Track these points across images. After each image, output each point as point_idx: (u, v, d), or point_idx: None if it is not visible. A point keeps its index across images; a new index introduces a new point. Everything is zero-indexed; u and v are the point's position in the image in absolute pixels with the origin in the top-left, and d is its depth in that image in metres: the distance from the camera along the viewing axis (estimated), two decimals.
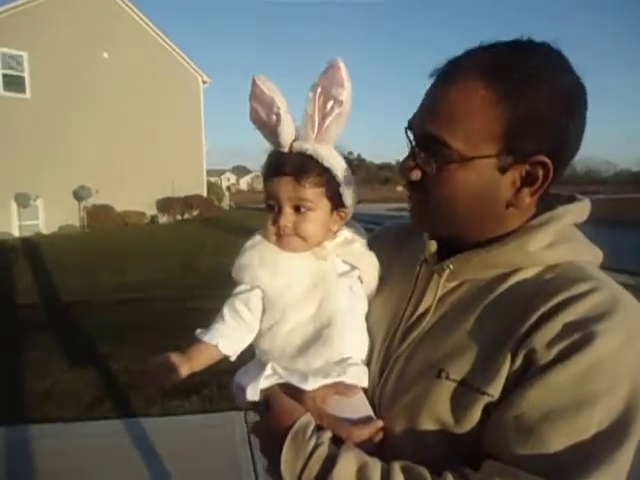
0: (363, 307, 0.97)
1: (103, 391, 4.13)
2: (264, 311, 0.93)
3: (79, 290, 7.93)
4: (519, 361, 0.71)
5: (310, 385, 0.85)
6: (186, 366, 0.89)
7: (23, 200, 16.58)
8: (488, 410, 0.73)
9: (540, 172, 0.75)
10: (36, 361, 4.71)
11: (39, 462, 3.11)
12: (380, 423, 0.84)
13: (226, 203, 28.94)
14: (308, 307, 0.91)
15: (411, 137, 0.82)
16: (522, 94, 0.72)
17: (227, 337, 0.92)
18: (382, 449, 0.81)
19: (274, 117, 0.90)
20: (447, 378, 0.76)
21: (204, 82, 22.59)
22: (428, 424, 0.78)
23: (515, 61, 0.74)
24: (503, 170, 0.75)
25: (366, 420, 0.85)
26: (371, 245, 1.02)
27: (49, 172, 16.66)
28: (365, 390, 0.90)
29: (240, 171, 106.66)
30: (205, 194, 23.36)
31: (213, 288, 6.89)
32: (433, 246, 0.87)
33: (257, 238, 0.98)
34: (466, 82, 0.75)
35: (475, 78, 0.74)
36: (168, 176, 19.85)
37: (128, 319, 6.08)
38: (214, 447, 3.27)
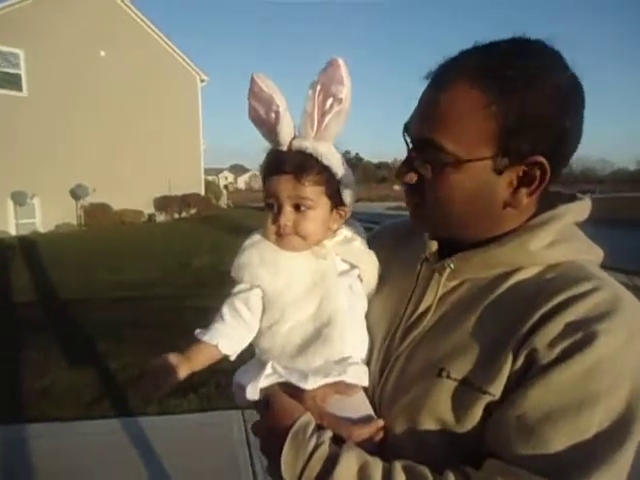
0: (363, 306, 0.97)
1: (101, 390, 4.12)
2: (264, 310, 0.93)
3: (76, 289, 7.91)
4: (521, 360, 0.71)
5: (310, 384, 0.84)
6: (186, 366, 0.88)
7: (20, 198, 16.52)
8: (489, 409, 0.73)
9: (537, 172, 0.75)
10: (33, 360, 4.70)
11: (37, 461, 3.10)
12: (381, 422, 0.83)
13: (224, 202, 28.91)
14: (308, 306, 0.91)
15: (408, 140, 0.82)
16: (515, 95, 0.72)
17: (227, 337, 0.92)
18: (383, 448, 0.81)
19: (273, 115, 0.90)
20: (448, 377, 0.76)
21: (202, 81, 22.53)
22: (429, 423, 0.78)
23: (508, 61, 0.73)
24: (499, 172, 0.75)
25: (366, 419, 0.84)
26: (370, 244, 1.02)
27: (46, 170, 16.59)
28: (365, 389, 0.90)
29: (238, 170, 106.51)
30: (203, 193, 23.32)
31: (211, 286, 6.90)
32: (434, 245, 0.87)
33: (256, 237, 0.97)
34: (459, 85, 0.74)
35: (467, 81, 0.74)
36: (166, 174, 19.81)
37: (126, 317, 6.07)
38: (212, 446, 3.27)
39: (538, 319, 0.72)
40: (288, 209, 0.91)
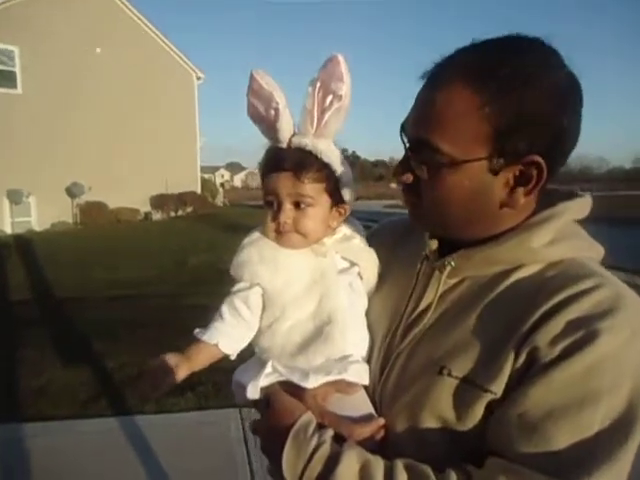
0: (363, 304, 0.96)
1: (97, 388, 4.11)
2: (264, 309, 0.92)
3: (72, 287, 7.88)
4: (522, 359, 0.71)
5: (311, 383, 0.84)
6: (186, 366, 0.88)
7: (15, 197, 16.44)
8: (490, 407, 0.73)
9: (534, 172, 0.74)
10: (29, 358, 4.68)
11: (33, 460, 3.09)
12: (382, 421, 0.83)
13: (220, 200, 28.89)
14: (308, 304, 0.91)
15: (405, 139, 0.82)
16: (511, 94, 0.71)
17: (227, 336, 0.91)
18: (384, 447, 0.81)
19: (273, 112, 0.89)
20: (449, 375, 0.76)
21: (198, 78, 22.46)
22: (430, 421, 0.77)
23: (504, 60, 0.73)
24: (495, 172, 0.75)
25: (367, 418, 0.84)
26: (369, 242, 1.01)
27: (42, 169, 16.50)
28: (366, 387, 0.89)
29: (234, 168, 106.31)
30: (199, 191, 23.27)
31: (207, 285, 6.90)
32: (434, 243, 0.87)
33: (255, 235, 0.97)
34: (454, 85, 0.74)
35: (462, 81, 0.73)
36: (162, 173, 19.75)
37: (122, 316, 6.06)
38: (209, 444, 3.26)
39: (539, 317, 0.71)
40: (288, 207, 0.91)
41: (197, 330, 0.92)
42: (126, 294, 7.36)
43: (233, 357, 0.94)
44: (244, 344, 0.94)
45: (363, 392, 0.89)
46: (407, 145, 0.82)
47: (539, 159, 0.73)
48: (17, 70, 16.72)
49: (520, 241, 0.78)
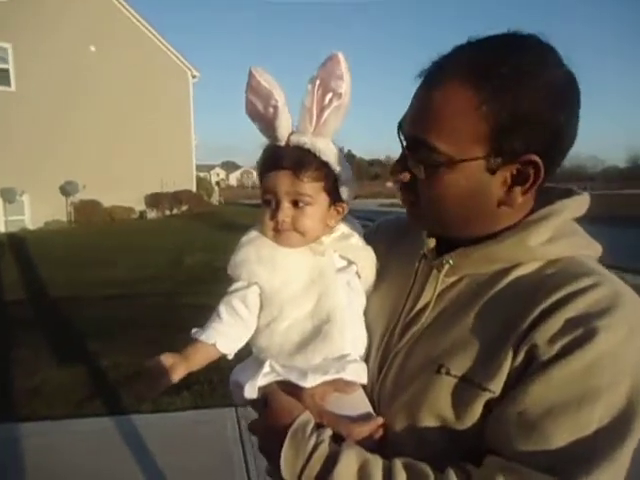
0: (361, 302, 0.96)
1: (93, 388, 4.09)
2: (261, 308, 0.92)
3: (66, 286, 7.84)
4: (521, 357, 0.71)
5: (309, 382, 0.84)
6: (183, 366, 0.87)
7: (9, 195, 16.35)
8: (489, 406, 0.73)
9: (531, 171, 0.74)
10: (24, 358, 4.65)
11: (28, 460, 3.07)
12: (380, 420, 0.83)
13: (215, 198, 28.84)
14: (306, 303, 0.90)
15: (402, 138, 0.82)
16: (508, 93, 0.71)
17: (225, 335, 0.90)
18: (382, 446, 0.80)
19: (271, 110, 0.88)
20: (447, 374, 0.76)
21: (193, 77, 22.40)
22: (429, 420, 0.77)
23: (501, 58, 0.72)
24: (492, 171, 0.75)
25: (366, 417, 0.84)
26: (367, 241, 1.01)
27: (35, 167, 16.41)
28: (364, 386, 0.89)
29: (229, 166, 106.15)
30: (194, 189, 23.22)
31: (202, 284, 6.88)
32: (432, 242, 0.87)
33: (253, 234, 0.96)
34: (451, 85, 0.74)
35: (460, 80, 0.73)
36: (157, 171, 19.70)
37: (116, 315, 6.03)
38: (205, 443, 3.26)
39: (538, 315, 0.71)
40: (286, 205, 0.90)
41: (194, 330, 0.92)
42: (121, 293, 7.32)
43: (231, 357, 0.94)
44: (242, 344, 0.93)
45: (361, 391, 0.89)
46: (404, 144, 0.81)
47: (536, 158, 0.73)
48: (11, 68, 16.60)
49: (518, 239, 0.78)
